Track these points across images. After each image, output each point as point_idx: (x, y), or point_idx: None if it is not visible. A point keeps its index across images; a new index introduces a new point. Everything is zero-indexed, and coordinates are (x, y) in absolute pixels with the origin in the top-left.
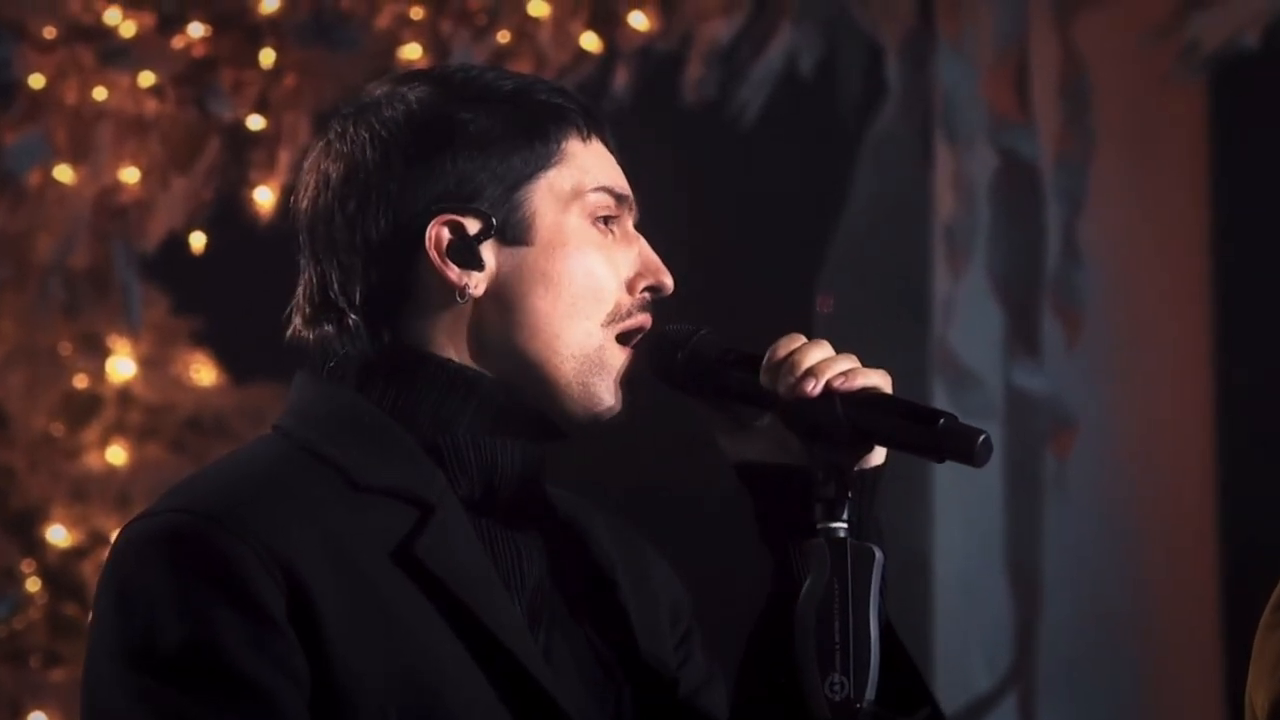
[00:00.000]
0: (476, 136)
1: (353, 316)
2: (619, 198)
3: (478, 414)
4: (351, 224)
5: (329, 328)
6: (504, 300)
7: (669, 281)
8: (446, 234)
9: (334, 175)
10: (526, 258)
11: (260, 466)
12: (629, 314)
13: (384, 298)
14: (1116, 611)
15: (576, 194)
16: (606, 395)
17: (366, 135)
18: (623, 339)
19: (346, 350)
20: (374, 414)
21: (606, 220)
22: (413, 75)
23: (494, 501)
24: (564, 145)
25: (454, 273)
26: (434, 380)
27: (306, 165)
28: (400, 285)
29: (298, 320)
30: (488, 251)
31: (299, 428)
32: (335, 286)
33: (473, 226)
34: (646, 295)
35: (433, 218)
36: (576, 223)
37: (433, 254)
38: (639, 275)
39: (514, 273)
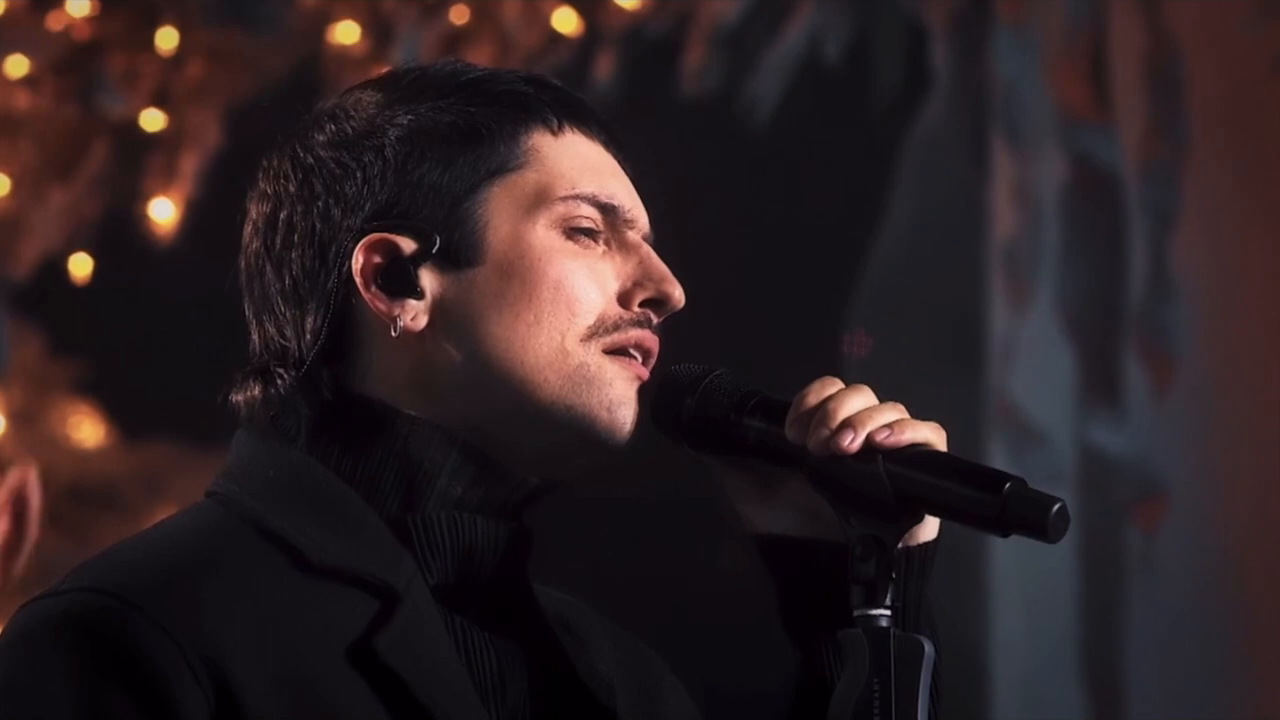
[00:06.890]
0: (411, 141)
1: (283, 372)
2: (604, 208)
3: (451, 482)
4: (280, 267)
5: (256, 389)
6: (453, 331)
7: (676, 292)
8: (376, 258)
9: (260, 219)
10: (477, 279)
11: (190, 540)
12: (617, 327)
13: (321, 343)
14: None
15: (542, 200)
16: (603, 413)
17: (289, 164)
18: (614, 353)
19: (287, 406)
20: (329, 481)
21: (588, 233)
22: (364, 84)
23: (471, 593)
24: (526, 141)
25: (383, 303)
26: (398, 441)
27: (245, 217)
28: (335, 326)
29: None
30: (428, 276)
31: (239, 495)
32: (272, 341)
33: (407, 246)
34: (647, 311)
35: (359, 240)
36: (543, 233)
37: (358, 281)
38: (637, 286)
39: (461, 298)
